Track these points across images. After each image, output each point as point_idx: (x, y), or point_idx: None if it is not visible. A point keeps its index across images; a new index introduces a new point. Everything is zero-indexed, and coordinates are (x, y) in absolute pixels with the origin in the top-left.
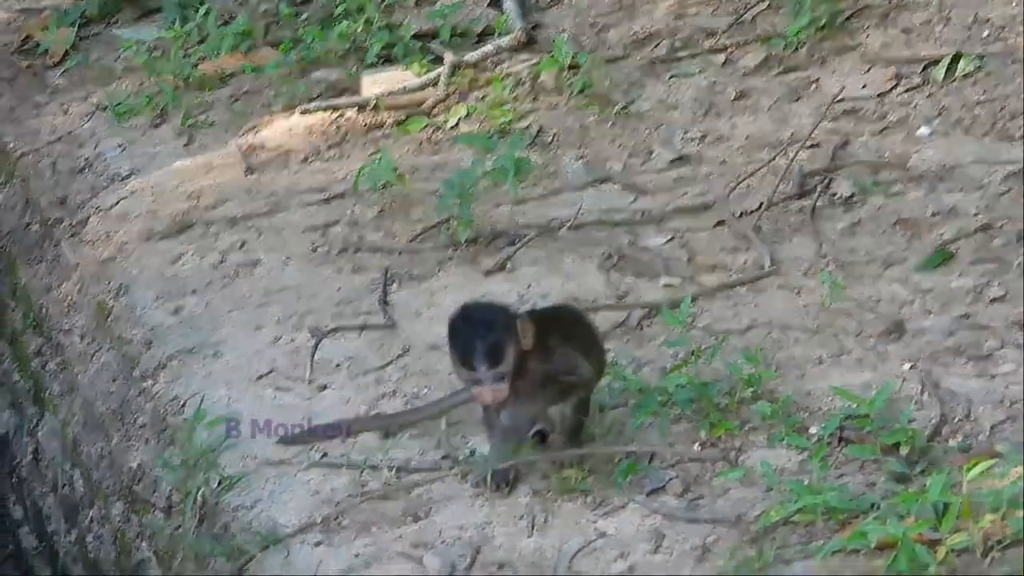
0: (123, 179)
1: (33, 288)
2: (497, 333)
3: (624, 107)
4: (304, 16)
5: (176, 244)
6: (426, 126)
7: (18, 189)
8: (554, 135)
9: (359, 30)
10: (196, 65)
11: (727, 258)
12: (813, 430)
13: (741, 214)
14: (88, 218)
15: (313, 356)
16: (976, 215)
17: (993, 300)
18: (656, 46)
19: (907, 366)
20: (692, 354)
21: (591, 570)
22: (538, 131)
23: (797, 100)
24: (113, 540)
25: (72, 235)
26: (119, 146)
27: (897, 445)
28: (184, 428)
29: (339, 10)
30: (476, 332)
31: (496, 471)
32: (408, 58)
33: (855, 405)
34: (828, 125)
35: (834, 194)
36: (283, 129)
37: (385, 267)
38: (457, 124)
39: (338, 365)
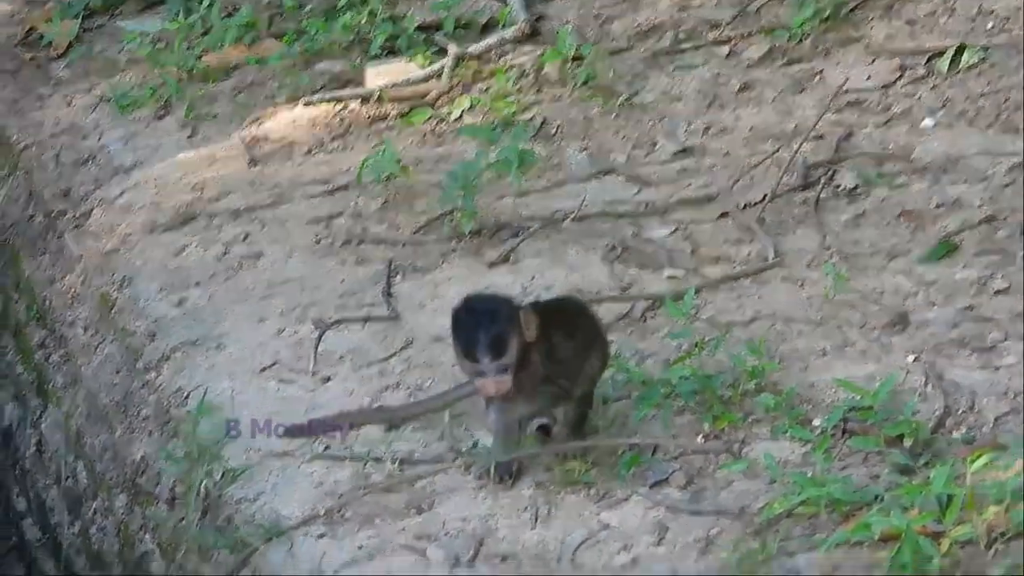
0: (127, 171)
1: (37, 280)
2: (501, 325)
3: (628, 99)
4: (308, 7)
5: (180, 236)
6: (430, 118)
7: (22, 181)
8: (558, 127)
9: (363, 22)
10: (200, 57)
11: (731, 250)
12: (817, 422)
13: (745, 206)
14: (92, 210)
15: (317, 348)
16: (980, 207)
17: (997, 292)
18: (660, 38)
19: (911, 358)
20: (696, 346)
21: (594, 562)
22: (542, 123)
23: (801, 92)
24: (116, 532)
25: (76, 227)
26: (123, 138)
27: (901, 437)
28: (187, 420)
29: (343, 2)
30: (480, 324)
31: (499, 463)
32: (412, 50)
33: (859, 397)
34: (832, 117)
35: (838, 186)
36: (287, 121)
37: (389, 259)
38: (461, 116)
39: (342, 357)
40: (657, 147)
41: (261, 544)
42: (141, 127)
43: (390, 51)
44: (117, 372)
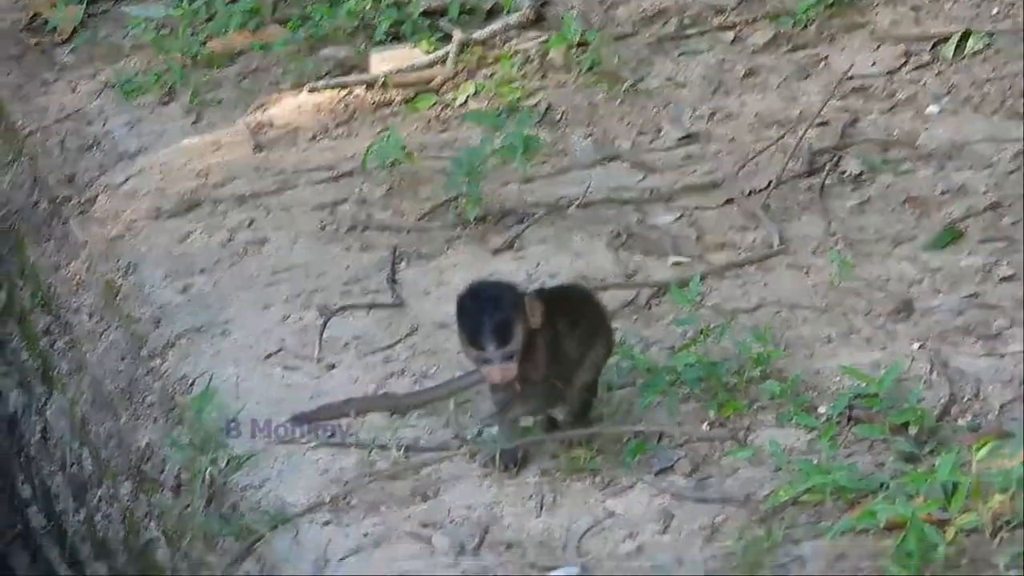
0: (131, 157)
1: (41, 266)
2: (506, 312)
3: (633, 85)
4: None
5: (184, 222)
6: (434, 104)
7: (26, 167)
8: (563, 113)
9: (367, 7)
10: (204, 43)
11: (736, 236)
12: (822, 409)
13: (750, 192)
14: (96, 196)
15: (321, 335)
16: (985, 193)
17: (1002, 279)
18: (665, 23)
19: (916, 345)
20: (701, 333)
21: (600, 550)
22: (547, 109)
23: (806, 78)
24: (122, 519)
25: (80, 213)
26: (127, 124)
27: (906, 425)
28: (192, 407)
29: None
30: (485, 311)
31: (504, 451)
32: (417, 36)
33: (864, 384)
34: (837, 103)
35: (843, 172)
36: (291, 107)
37: (393, 245)
38: (466, 102)
39: (346, 344)
40: (662, 133)
41: (266, 531)
42: (146, 113)
43: (395, 37)
44: (122, 359)
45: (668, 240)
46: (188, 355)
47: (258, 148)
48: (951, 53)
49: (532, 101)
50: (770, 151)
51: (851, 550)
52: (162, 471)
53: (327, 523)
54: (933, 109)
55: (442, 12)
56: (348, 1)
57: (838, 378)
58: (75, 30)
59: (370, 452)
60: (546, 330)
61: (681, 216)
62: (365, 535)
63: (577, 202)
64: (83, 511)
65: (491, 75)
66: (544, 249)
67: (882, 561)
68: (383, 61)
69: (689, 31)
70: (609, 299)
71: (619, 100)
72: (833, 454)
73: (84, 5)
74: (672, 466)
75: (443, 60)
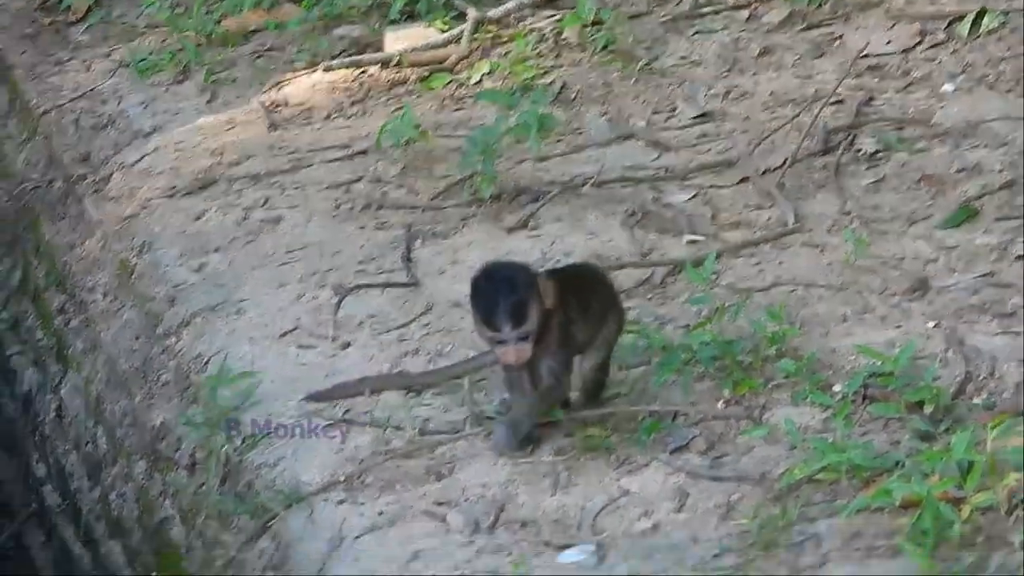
0: (146, 136)
1: (56, 245)
2: (521, 292)
3: (647, 63)
4: None
5: (199, 201)
6: (449, 82)
7: (41, 146)
8: (577, 91)
9: None
10: (219, 21)
11: (751, 215)
12: (837, 388)
13: (765, 171)
14: (111, 175)
15: (336, 313)
16: (1000, 171)
17: (1017, 257)
18: (680, 2)
19: (931, 324)
20: (716, 311)
21: (615, 528)
22: (561, 87)
23: (821, 56)
24: (136, 498)
25: (95, 192)
26: (142, 103)
27: (921, 403)
28: (207, 385)
29: None
30: (499, 292)
31: (519, 430)
32: (431, 14)
33: (879, 363)
34: (852, 81)
35: (858, 150)
36: (306, 86)
37: (408, 224)
38: (480, 80)
39: (361, 323)
40: (677, 112)
41: (281, 510)
42: (160, 91)
43: (409, 16)
44: (137, 337)
45: (683, 218)
46: (203, 334)
47: (273, 127)
48: (966, 31)
49: (547, 80)
50: (785, 129)
51: (866, 528)
52: (177, 450)
53: (342, 502)
54: (948, 87)
55: None
56: None
57: (853, 356)
58: (89, 9)
59: (385, 431)
60: (559, 310)
61: (696, 195)
62: (380, 514)
63: (592, 180)
64: (98, 490)
65: (506, 54)
66: (559, 227)
67: (897, 539)
68: (398, 40)
69: (704, 10)
70: (624, 278)
71: (634, 79)
72: (848, 432)
73: None
74: (687, 444)
75: (458, 39)
